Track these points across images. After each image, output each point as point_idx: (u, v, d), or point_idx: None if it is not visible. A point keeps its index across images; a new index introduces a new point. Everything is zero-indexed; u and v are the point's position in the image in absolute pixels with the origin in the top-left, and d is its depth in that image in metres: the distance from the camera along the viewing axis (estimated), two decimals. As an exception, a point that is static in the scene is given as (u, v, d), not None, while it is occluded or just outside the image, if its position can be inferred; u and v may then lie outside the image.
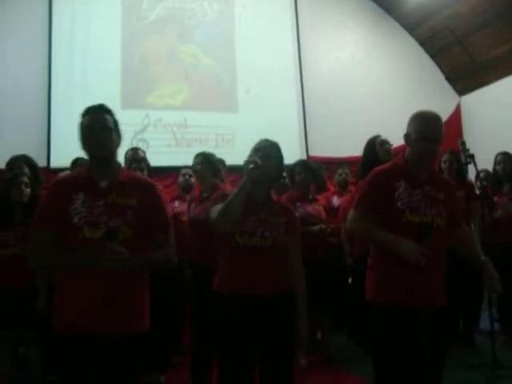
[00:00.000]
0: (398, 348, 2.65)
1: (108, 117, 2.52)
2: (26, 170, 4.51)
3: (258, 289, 2.73)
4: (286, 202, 3.86)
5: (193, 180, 5.47)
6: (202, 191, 4.54)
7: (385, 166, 2.95)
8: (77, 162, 4.65)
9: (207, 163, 4.45)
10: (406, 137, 2.83)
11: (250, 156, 2.83)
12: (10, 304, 3.81)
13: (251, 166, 2.67)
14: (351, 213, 2.86)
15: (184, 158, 5.99)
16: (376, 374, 2.75)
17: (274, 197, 3.03)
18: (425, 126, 2.75)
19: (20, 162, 4.65)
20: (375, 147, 4.76)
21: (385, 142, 4.76)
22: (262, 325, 2.75)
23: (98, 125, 2.47)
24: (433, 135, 2.74)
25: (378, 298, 2.76)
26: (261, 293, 2.73)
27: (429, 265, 2.57)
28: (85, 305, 2.33)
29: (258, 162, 2.69)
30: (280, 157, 2.97)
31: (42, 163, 6.65)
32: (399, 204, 2.70)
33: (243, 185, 2.68)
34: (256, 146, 2.93)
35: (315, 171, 5.18)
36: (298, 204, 4.76)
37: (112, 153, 2.54)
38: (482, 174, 5.52)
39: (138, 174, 3.36)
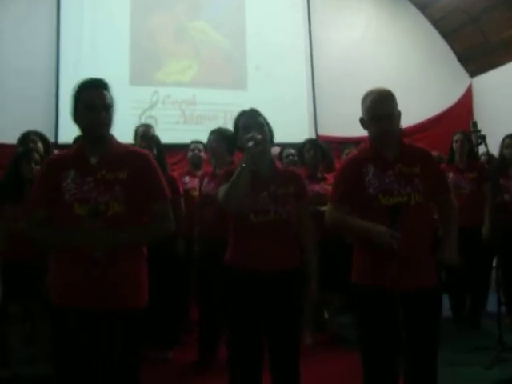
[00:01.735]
0: (370, 331, 2.68)
1: (106, 93, 2.49)
2: (40, 145, 4.53)
3: (271, 264, 2.73)
4: None
5: (202, 154, 5.43)
6: (215, 168, 4.51)
7: (352, 153, 2.97)
8: (78, 141, 4.53)
9: (222, 140, 4.39)
10: (361, 121, 2.79)
11: (241, 134, 2.80)
12: (19, 278, 3.86)
13: (251, 143, 2.63)
14: (328, 206, 2.86)
15: (192, 135, 5.95)
16: (360, 353, 2.76)
17: (278, 166, 3.01)
18: (372, 105, 2.69)
19: (34, 137, 4.65)
20: None
21: None
22: (272, 300, 2.75)
23: (100, 103, 2.44)
24: (381, 112, 2.67)
25: (357, 280, 2.77)
26: (274, 268, 2.73)
27: (408, 245, 2.53)
28: (78, 279, 2.33)
29: (258, 137, 2.65)
30: (266, 120, 2.93)
31: (50, 139, 6.69)
32: (371, 190, 2.67)
33: (245, 164, 2.63)
34: (241, 123, 2.90)
35: (325, 150, 5.14)
36: (306, 182, 4.68)
37: (108, 130, 2.51)
38: (483, 158, 5.48)
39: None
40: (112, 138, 2.57)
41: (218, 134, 4.45)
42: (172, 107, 7.71)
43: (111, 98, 2.51)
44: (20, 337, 4.04)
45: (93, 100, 2.43)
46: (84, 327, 2.34)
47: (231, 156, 4.41)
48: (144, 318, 2.51)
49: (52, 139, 6.73)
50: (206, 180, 4.54)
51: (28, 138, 4.67)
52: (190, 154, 5.56)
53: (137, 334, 2.48)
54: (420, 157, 2.78)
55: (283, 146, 5.20)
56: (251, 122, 2.85)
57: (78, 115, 2.48)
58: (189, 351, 4.56)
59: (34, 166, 4.01)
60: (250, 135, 2.67)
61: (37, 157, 4.07)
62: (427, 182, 2.71)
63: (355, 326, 2.84)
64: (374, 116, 2.68)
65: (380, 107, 2.68)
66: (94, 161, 2.46)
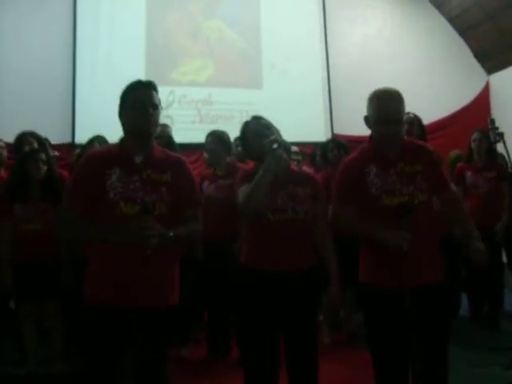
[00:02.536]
0: (379, 330, 2.69)
1: (155, 94, 2.52)
2: (35, 144, 4.53)
3: (288, 263, 2.73)
4: (323, 181, 3.86)
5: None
6: (215, 169, 4.54)
7: (353, 154, 2.90)
8: (93, 141, 4.49)
9: (219, 142, 4.45)
10: (366, 120, 2.75)
11: (256, 141, 2.83)
12: (34, 277, 3.88)
13: (275, 145, 2.63)
14: (330, 209, 2.83)
15: (208, 134, 5.97)
16: (370, 352, 2.76)
17: (294, 167, 3.02)
18: (382, 108, 2.63)
19: (30, 139, 4.65)
20: None
21: (404, 123, 4.63)
22: (289, 299, 2.74)
23: (147, 101, 2.46)
24: (391, 116, 2.63)
25: (364, 279, 2.76)
26: (290, 267, 2.72)
27: (414, 244, 2.53)
28: (123, 278, 2.34)
29: (279, 139, 2.67)
30: (271, 123, 2.96)
31: (66, 139, 6.76)
32: (373, 190, 2.65)
33: (269, 166, 2.63)
34: (249, 130, 2.96)
35: (348, 149, 5.11)
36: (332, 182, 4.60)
37: (155, 130, 2.54)
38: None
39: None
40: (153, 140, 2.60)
41: (215, 136, 4.52)
42: (188, 107, 7.72)
43: (158, 98, 2.53)
44: (35, 336, 4.06)
45: (141, 98, 2.46)
46: (120, 325, 2.35)
47: (229, 156, 4.49)
48: (175, 314, 2.55)
49: (69, 140, 6.81)
50: (206, 182, 4.56)
51: (24, 139, 4.65)
52: (205, 155, 5.51)
53: (169, 331, 2.52)
54: (422, 154, 2.76)
55: (294, 144, 5.19)
56: (260, 128, 2.88)
57: (126, 114, 2.50)
58: (203, 349, 4.59)
59: (41, 166, 4.02)
60: (272, 138, 2.68)
61: (43, 156, 4.07)
62: (430, 179, 2.70)
63: (364, 326, 2.84)
64: (382, 119, 2.63)
65: (389, 111, 2.63)
66: (138, 160, 2.48)
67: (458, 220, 2.89)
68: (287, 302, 2.75)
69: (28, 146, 4.53)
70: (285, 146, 2.74)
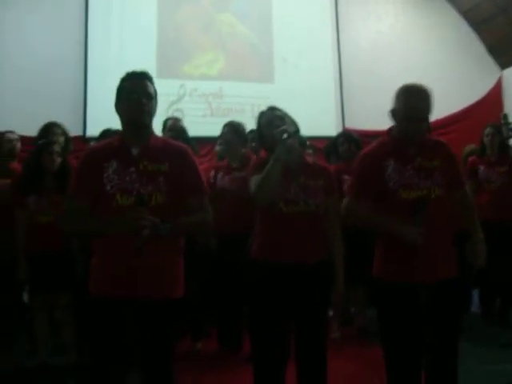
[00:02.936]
0: (393, 326, 2.67)
1: (149, 84, 2.51)
2: (61, 139, 4.55)
3: (299, 255, 2.73)
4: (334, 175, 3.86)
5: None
6: (230, 161, 4.52)
7: (371, 146, 2.87)
8: (105, 134, 4.46)
9: (235, 133, 4.42)
10: (393, 113, 2.72)
11: (268, 131, 2.84)
12: (48, 269, 3.91)
13: (285, 135, 2.62)
14: (345, 201, 2.81)
15: (219, 128, 5.94)
16: (383, 348, 2.75)
17: (308, 159, 3.01)
18: (410, 104, 2.62)
19: (57, 130, 4.67)
20: None
21: None
22: (299, 292, 2.75)
23: (141, 91, 2.45)
24: (419, 114, 2.62)
25: (380, 275, 2.75)
26: (302, 260, 2.73)
27: (428, 240, 2.53)
28: (119, 270, 2.35)
29: (289, 129, 2.65)
30: (286, 114, 2.96)
31: (78, 132, 6.78)
32: (391, 184, 2.64)
33: (279, 156, 2.63)
34: (263, 119, 2.95)
35: (359, 142, 5.08)
36: (346, 177, 4.50)
37: (150, 120, 2.52)
38: None
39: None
40: (152, 130, 2.59)
41: (231, 127, 4.50)
42: (199, 100, 7.73)
43: (154, 89, 2.52)
44: (47, 328, 4.08)
45: (134, 89, 2.46)
46: (120, 317, 2.36)
47: (244, 148, 4.46)
48: (181, 307, 2.53)
49: (80, 133, 6.84)
50: (220, 173, 4.52)
51: (51, 130, 4.66)
52: (217, 148, 5.50)
53: (171, 324, 2.50)
54: (440, 150, 2.76)
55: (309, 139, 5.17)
56: (273, 118, 2.87)
57: (120, 105, 2.51)
58: (214, 343, 4.60)
59: (55, 157, 4.04)
60: (282, 128, 2.67)
61: (57, 148, 4.09)
62: (446, 175, 2.69)
63: (378, 322, 2.82)
64: (410, 116, 2.62)
65: (420, 109, 2.62)
66: (135, 151, 2.47)
67: (465, 219, 2.87)
68: (298, 294, 2.75)
69: (54, 136, 4.53)
70: (298, 137, 2.76)
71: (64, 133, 4.75)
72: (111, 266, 2.38)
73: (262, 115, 2.99)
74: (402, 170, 2.65)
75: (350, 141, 4.98)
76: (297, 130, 2.89)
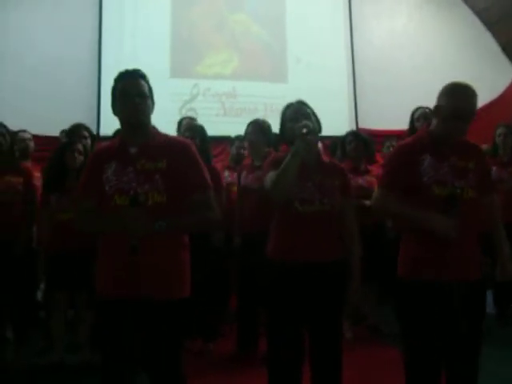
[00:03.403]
0: (420, 325, 2.62)
1: (143, 82, 2.49)
2: (88, 140, 4.59)
3: (315, 255, 2.72)
4: None
5: (245, 153, 5.41)
6: (253, 160, 4.50)
7: (407, 140, 2.85)
8: (119, 134, 4.53)
9: (260, 131, 4.39)
10: (437, 109, 2.68)
11: (290, 125, 2.82)
12: (68, 267, 3.96)
13: (304, 130, 2.57)
14: (377, 191, 2.79)
15: (232, 127, 5.99)
16: (404, 349, 2.71)
17: (325, 158, 2.99)
18: (461, 104, 2.59)
19: (84, 132, 4.71)
20: (414, 121, 4.64)
21: (420, 118, 4.59)
22: (315, 292, 2.74)
23: (134, 90, 2.44)
24: (468, 114, 2.60)
25: (407, 274, 2.70)
26: (317, 259, 2.71)
27: (460, 238, 2.50)
28: (119, 269, 2.35)
29: (310, 125, 2.60)
30: (314, 112, 2.95)
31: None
32: (425, 178, 2.60)
33: (297, 151, 2.59)
34: (288, 112, 2.93)
35: (367, 142, 5.07)
36: (350, 176, 4.53)
37: (147, 118, 2.50)
38: None
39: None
40: (154, 128, 2.58)
41: (256, 126, 4.45)
42: (212, 100, 7.76)
43: (149, 87, 2.51)
44: (63, 325, 4.12)
45: (127, 88, 2.45)
46: (125, 317, 2.35)
47: (268, 148, 4.39)
48: (187, 307, 2.50)
49: (94, 132, 6.87)
50: (244, 172, 4.52)
51: (78, 132, 4.69)
52: (233, 150, 5.53)
53: (178, 324, 2.47)
54: (474, 152, 2.74)
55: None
56: (298, 113, 2.85)
57: (116, 105, 2.50)
58: (229, 343, 4.57)
59: (77, 156, 4.08)
60: (303, 123, 2.62)
61: (80, 147, 4.14)
62: (479, 178, 2.67)
63: (400, 323, 2.77)
64: (459, 116, 2.60)
65: (468, 110, 2.61)
66: (133, 150, 2.46)
67: (492, 226, 2.84)
68: (313, 294, 2.74)
69: (83, 139, 4.56)
70: (317, 136, 2.74)
71: (91, 134, 4.79)
72: (112, 266, 2.39)
73: (288, 107, 2.96)
74: (437, 166, 2.62)
75: (358, 140, 4.96)
76: (319, 130, 2.89)
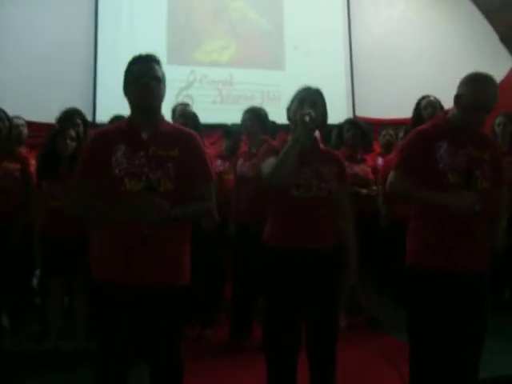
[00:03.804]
0: (435, 314, 2.62)
1: (157, 67, 2.48)
2: (81, 127, 4.55)
3: (311, 241, 2.72)
4: None
5: (240, 143, 5.36)
6: (250, 147, 4.49)
7: (425, 126, 2.84)
8: (116, 120, 4.38)
9: (257, 119, 4.38)
10: (457, 98, 2.68)
11: (295, 107, 2.82)
12: (61, 254, 3.96)
13: (307, 118, 2.60)
14: (391, 174, 2.79)
15: (229, 115, 5.95)
16: (410, 338, 2.74)
17: (322, 145, 2.99)
18: (483, 94, 2.59)
19: (75, 116, 4.67)
20: (420, 110, 4.63)
21: (427, 107, 4.59)
22: (311, 279, 2.74)
23: (148, 74, 2.43)
24: (488, 105, 2.61)
25: (418, 263, 2.71)
26: (314, 246, 2.72)
27: (471, 227, 2.54)
28: (120, 255, 2.33)
29: (313, 114, 2.62)
30: (324, 103, 2.92)
31: (87, 118, 6.76)
32: (441, 165, 2.62)
33: (298, 138, 2.62)
34: (299, 95, 2.89)
35: (365, 130, 5.06)
36: (346, 164, 4.53)
37: (159, 103, 2.50)
38: None
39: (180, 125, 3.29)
40: (163, 116, 2.57)
41: (253, 113, 4.44)
42: (209, 87, 7.70)
43: (162, 72, 2.50)
44: (59, 312, 4.11)
45: (141, 72, 2.43)
46: (124, 303, 2.34)
47: (265, 135, 4.39)
48: (186, 295, 2.51)
49: (89, 119, 6.82)
50: (241, 160, 4.51)
51: (70, 118, 4.65)
52: (228, 141, 5.46)
53: (177, 311, 2.48)
54: (490, 144, 2.76)
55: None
56: (308, 98, 2.83)
57: (129, 89, 2.48)
58: (223, 330, 4.58)
59: (69, 142, 4.06)
60: (308, 111, 2.64)
61: (72, 133, 4.11)
62: (493, 170, 2.68)
63: (408, 311, 2.78)
64: (480, 108, 2.61)
65: (489, 102, 2.61)
66: (145, 136, 2.44)
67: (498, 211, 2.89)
68: (309, 280, 2.74)
69: (69, 123, 4.53)
70: (318, 126, 2.77)
71: (84, 119, 4.76)
72: (115, 252, 2.36)
73: (303, 90, 2.92)
74: (454, 153, 2.63)
75: (355, 128, 4.95)
76: (323, 121, 2.89)
